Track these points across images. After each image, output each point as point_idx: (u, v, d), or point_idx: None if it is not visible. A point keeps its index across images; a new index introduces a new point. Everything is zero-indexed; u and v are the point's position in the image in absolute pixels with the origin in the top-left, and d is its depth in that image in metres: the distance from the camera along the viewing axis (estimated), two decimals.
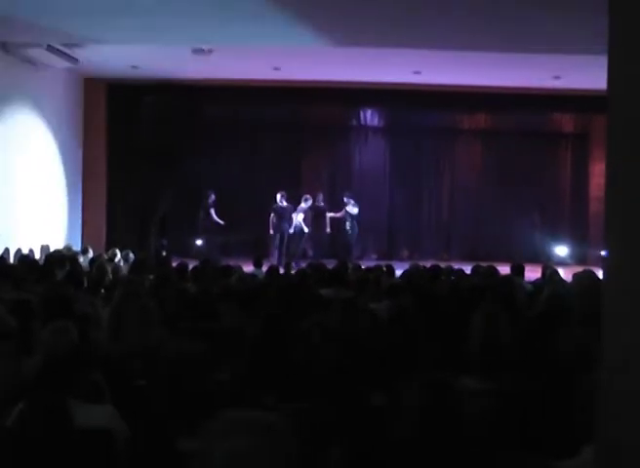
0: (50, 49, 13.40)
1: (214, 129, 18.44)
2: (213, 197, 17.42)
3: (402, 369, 4.22)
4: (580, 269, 8.70)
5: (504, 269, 10.85)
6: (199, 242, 17.91)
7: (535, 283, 9.72)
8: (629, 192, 2.11)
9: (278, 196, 16.88)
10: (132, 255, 12.29)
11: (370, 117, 19.41)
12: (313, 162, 19.35)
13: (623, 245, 2.15)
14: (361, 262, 13.61)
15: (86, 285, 7.92)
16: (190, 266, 10.21)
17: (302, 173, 19.26)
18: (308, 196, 17.13)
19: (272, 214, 16.96)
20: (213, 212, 17.41)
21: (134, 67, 15.65)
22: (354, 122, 19.48)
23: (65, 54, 14.03)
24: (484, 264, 10.95)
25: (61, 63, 14.39)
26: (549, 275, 10.33)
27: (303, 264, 12.76)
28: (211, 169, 18.51)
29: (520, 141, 19.00)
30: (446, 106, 18.07)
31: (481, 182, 19.20)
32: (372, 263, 12.66)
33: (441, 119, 19.15)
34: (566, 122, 19.11)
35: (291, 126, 19.10)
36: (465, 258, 17.78)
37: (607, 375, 2.19)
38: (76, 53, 14.21)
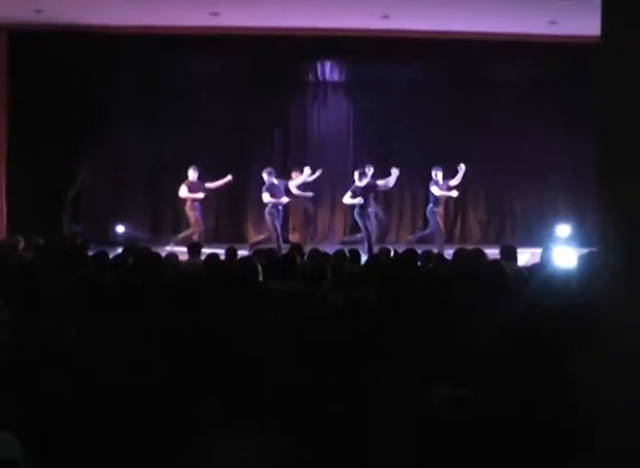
0: None
1: (137, 85, 18.28)
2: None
3: (359, 371, 4.29)
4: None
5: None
6: (121, 228, 17.83)
7: (531, 269, 9.80)
8: None
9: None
10: (39, 243, 12.25)
11: (329, 71, 19.35)
12: (261, 124, 19.14)
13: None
14: (323, 246, 13.69)
15: None
16: (111, 255, 10.25)
17: (247, 136, 19.06)
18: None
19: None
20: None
21: (38, 11, 15.46)
22: (310, 77, 19.35)
23: None
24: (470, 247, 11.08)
25: None
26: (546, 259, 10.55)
27: None
28: (135, 134, 18.42)
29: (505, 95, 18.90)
30: (419, 56, 18.19)
31: (464, 141, 18.88)
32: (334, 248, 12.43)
33: (414, 71, 19.05)
34: None
35: (234, 82, 18.83)
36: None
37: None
38: None
